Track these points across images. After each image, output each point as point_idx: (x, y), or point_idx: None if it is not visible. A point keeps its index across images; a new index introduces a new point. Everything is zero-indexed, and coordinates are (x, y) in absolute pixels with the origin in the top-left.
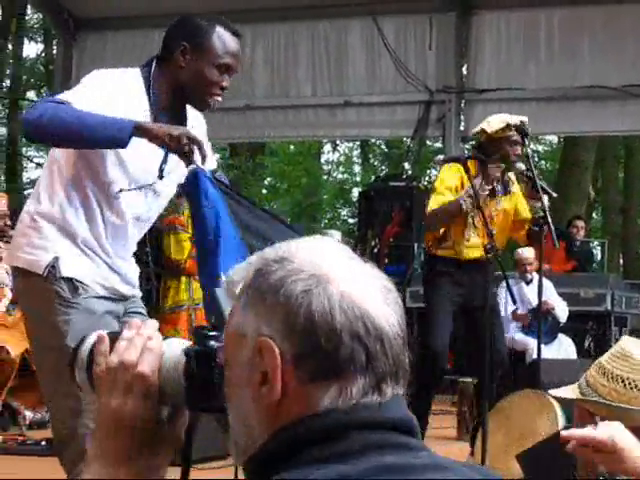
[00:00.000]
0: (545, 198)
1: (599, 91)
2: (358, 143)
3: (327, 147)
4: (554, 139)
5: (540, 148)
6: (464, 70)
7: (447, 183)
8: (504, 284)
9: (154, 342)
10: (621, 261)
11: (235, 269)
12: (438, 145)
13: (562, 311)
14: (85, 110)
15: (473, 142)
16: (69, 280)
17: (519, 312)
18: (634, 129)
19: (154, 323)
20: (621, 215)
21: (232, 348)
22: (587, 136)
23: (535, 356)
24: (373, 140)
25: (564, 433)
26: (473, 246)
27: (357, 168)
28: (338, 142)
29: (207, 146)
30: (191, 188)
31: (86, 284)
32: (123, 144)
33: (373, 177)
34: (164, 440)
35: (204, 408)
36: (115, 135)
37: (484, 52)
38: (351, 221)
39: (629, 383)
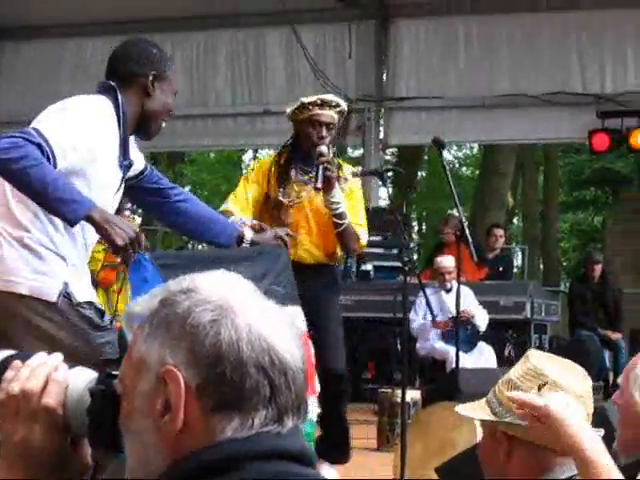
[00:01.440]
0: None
1: (517, 99)
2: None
3: (248, 155)
4: (475, 145)
5: (461, 154)
6: (384, 78)
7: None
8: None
9: (59, 374)
10: (541, 267)
11: (137, 301)
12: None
13: (482, 319)
14: (56, 176)
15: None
16: (90, 304)
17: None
18: (552, 137)
19: (59, 355)
20: (540, 221)
21: (133, 377)
22: (506, 144)
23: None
24: None
25: (509, 394)
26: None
27: None
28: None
29: (136, 151)
30: (133, 273)
31: (94, 303)
32: (70, 225)
33: None
34: (71, 467)
35: (106, 447)
36: (66, 216)
37: (403, 60)
38: None
39: None
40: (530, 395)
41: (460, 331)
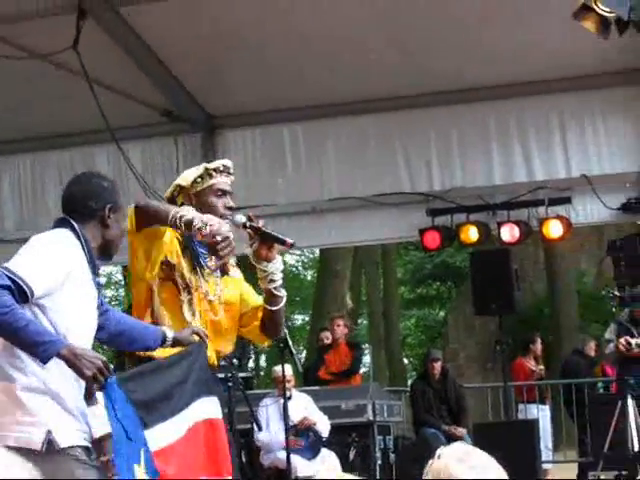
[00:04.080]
0: (279, 259)
1: (347, 202)
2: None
3: None
4: (316, 250)
5: (303, 258)
6: None
7: None
8: (264, 402)
9: None
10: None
11: None
12: None
13: (324, 425)
14: (25, 321)
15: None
16: (73, 448)
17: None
18: (383, 237)
19: None
20: (383, 320)
21: None
22: (341, 247)
23: (299, 474)
24: None
25: None
26: None
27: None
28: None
29: None
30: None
31: (87, 447)
32: (43, 363)
33: None
34: None
35: None
36: (38, 356)
37: None
38: None
39: None
40: None
41: (302, 439)
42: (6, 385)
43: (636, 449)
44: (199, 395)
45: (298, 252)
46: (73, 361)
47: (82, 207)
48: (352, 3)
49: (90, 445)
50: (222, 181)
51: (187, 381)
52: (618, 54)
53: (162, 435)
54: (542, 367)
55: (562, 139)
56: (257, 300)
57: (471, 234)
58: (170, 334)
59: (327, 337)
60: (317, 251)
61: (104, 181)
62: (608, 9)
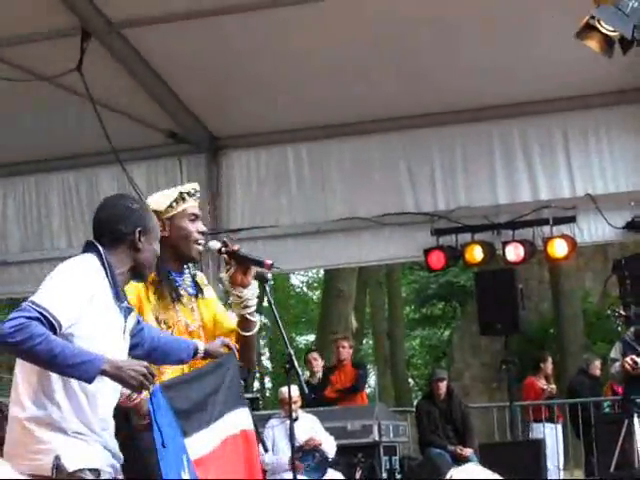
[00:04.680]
0: (255, 284)
1: (352, 222)
2: None
3: None
4: (321, 270)
5: (307, 278)
6: (218, 210)
7: None
8: (271, 423)
9: None
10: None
11: None
12: None
13: (330, 446)
14: (62, 346)
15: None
16: (81, 471)
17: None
18: (388, 257)
19: None
20: (388, 340)
21: None
22: (346, 267)
23: None
24: None
25: None
26: None
27: None
28: None
29: None
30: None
31: (96, 468)
32: (89, 383)
33: None
34: None
35: None
36: (82, 377)
37: (236, 191)
38: None
39: None
40: None
41: (308, 459)
42: (16, 417)
43: None
44: (235, 406)
45: (303, 273)
46: (117, 374)
47: (110, 232)
48: (353, 25)
49: (99, 467)
50: (193, 205)
51: (219, 391)
52: (622, 73)
53: (200, 444)
54: (554, 386)
55: (566, 158)
56: (231, 324)
57: (476, 254)
58: (202, 346)
59: (315, 358)
60: (322, 271)
61: (133, 203)
62: (611, 28)
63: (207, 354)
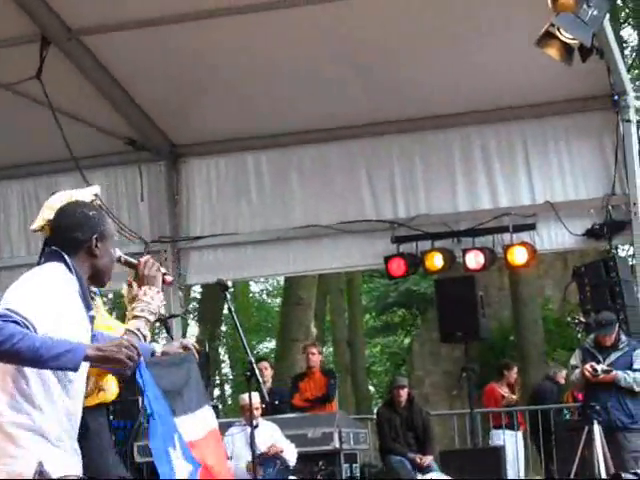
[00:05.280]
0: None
1: (312, 230)
2: None
3: None
4: (281, 278)
5: (268, 285)
6: (178, 218)
7: None
8: (230, 431)
9: None
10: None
11: None
12: None
13: (291, 454)
14: (42, 339)
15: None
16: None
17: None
18: (348, 265)
19: None
20: (348, 348)
21: None
22: (306, 275)
23: None
24: None
25: None
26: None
27: None
28: None
29: None
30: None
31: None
32: (74, 371)
33: None
34: None
35: None
36: (67, 367)
37: (196, 199)
38: None
39: None
40: None
41: (269, 466)
42: (1, 421)
43: (602, 476)
44: (206, 402)
45: (263, 280)
46: (102, 355)
47: (69, 239)
48: (314, 34)
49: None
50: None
51: (190, 384)
52: (581, 81)
53: (191, 428)
54: (514, 396)
55: (526, 165)
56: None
57: (436, 261)
58: (158, 348)
59: (265, 367)
60: (282, 279)
61: (90, 210)
62: (571, 36)
63: (164, 355)
